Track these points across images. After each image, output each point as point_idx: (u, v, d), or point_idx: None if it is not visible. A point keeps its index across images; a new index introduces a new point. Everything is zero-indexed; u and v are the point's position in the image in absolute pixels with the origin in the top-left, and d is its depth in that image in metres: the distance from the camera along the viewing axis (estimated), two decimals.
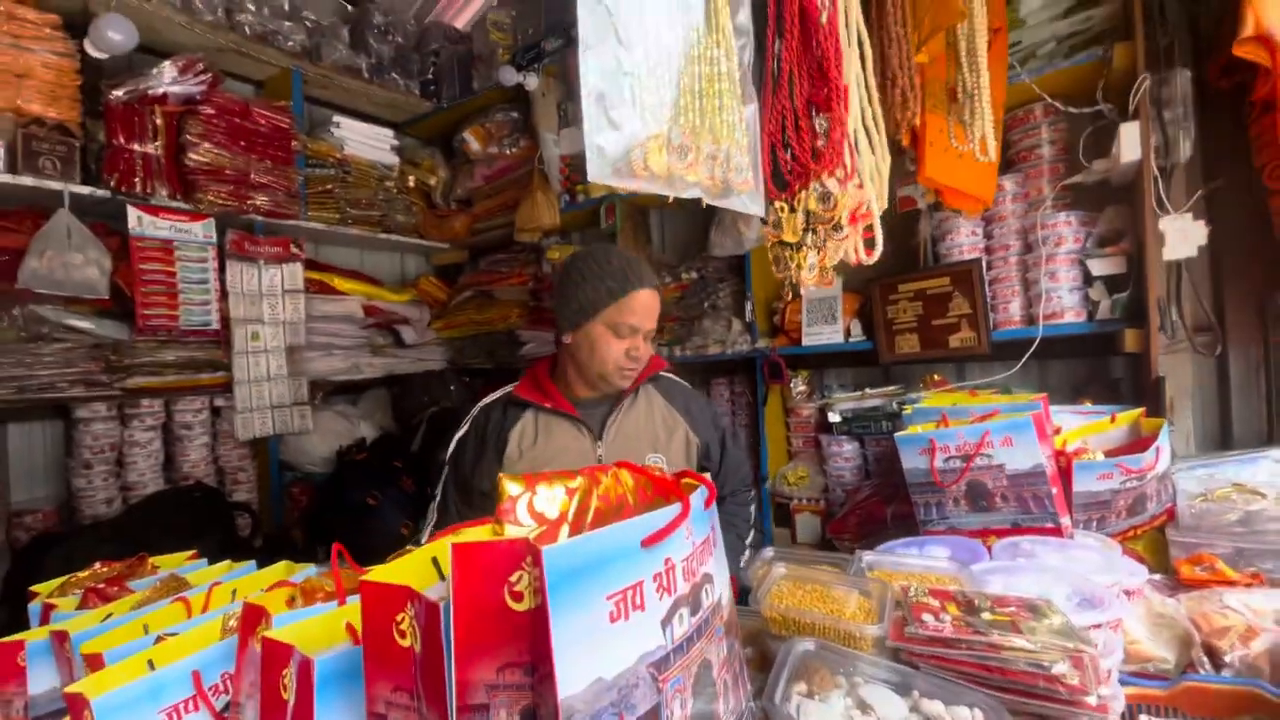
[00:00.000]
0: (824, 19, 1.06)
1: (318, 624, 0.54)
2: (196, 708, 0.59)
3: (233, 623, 0.65)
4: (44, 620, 0.83)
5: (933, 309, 1.95)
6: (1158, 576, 1.13)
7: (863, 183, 1.12)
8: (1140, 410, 1.42)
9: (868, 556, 1.09)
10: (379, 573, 0.49)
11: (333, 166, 2.88)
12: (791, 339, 2.24)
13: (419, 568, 0.52)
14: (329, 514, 2.46)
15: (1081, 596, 0.88)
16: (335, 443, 2.83)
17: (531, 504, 0.52)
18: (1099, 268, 1.72)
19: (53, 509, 2.19)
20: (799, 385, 2.32)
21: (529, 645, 0.39)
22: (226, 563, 0.96)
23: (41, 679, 0.75)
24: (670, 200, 1.00)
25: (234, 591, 0.84)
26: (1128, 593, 0.95)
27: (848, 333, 2.14)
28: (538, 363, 1.45)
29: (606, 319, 1.28)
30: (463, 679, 0.38)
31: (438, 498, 1.39)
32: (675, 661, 0.45)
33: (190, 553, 1.07)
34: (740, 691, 0.58)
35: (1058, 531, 1.19)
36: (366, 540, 2.44)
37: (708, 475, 0.62)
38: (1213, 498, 1.32)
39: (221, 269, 2.42)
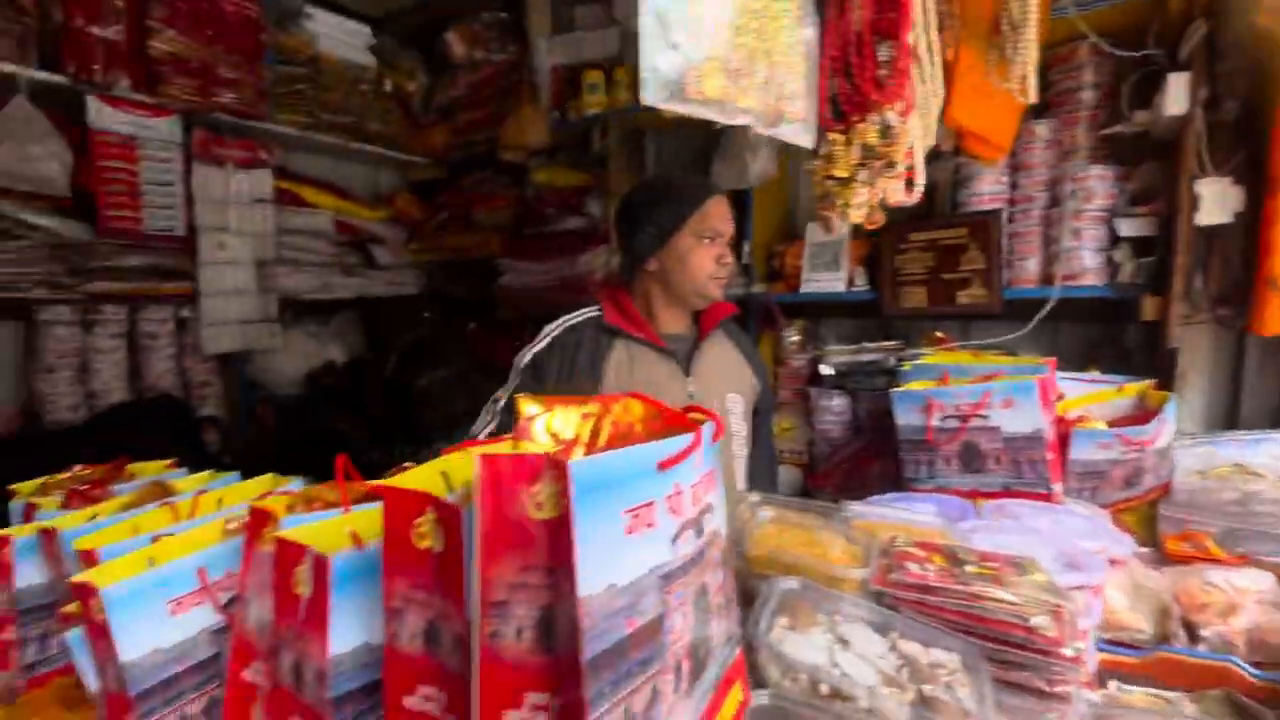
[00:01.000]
0: None
1: (325, 528, 0.56)
2: (200, 601, 0.62)
3: (233, 525, 0.68)
4: (27, 518, 0.85)
5: (944, 261, 1.83)
6: (1145, 550, 1.12)
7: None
8: (1149, 382, 1.36)
9: (855, 507, 1.07)
10: (395, 481, 0.52)
11: (304, 64, 2.63)
12: (790, 285, 2.12)
13: (430, 478, 0.54)
14: (297, 436, 2.38)
15: (1066, 560, 0.88)
16: (304, 364, 2.72)
17: (550, 424, 0.55)
18: (1128, 228, 1.61)
19: (14, 411, 2.13)
20: (792, 335, 2.21)
21: (549, 550, 0.42)
22: (209, 471, 0.96)
23: (28, 574, 0.77)
24: (672, 124, 0.90)
25: (220, 500, 0.83)
26: (1112, 562, 0.95)
27: (850, 282, 2.02)
28: (613, 289, 1.38)
29: (692, 228, 1.29)
30: (486, 577, 0.42)
31: (500, 402, 1.31)
32: (679, 577, 0.50)
33: (169, 461, 1.06)
34: (730, 617, 0.63)
35: (1048, 498, 1.16)
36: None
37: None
38: (1210, 475, 1.32)
39: (188, 172, 2.29)
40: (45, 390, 2.08)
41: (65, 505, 0.85)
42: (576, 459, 0.41)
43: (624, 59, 2.42)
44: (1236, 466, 1.29)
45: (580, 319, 1.35)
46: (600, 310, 1.34)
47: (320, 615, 0.49)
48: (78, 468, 0.97)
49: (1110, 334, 1.82)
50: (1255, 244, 1.33)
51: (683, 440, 0.51)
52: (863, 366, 1.99)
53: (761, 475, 1.45)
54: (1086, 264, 1.68)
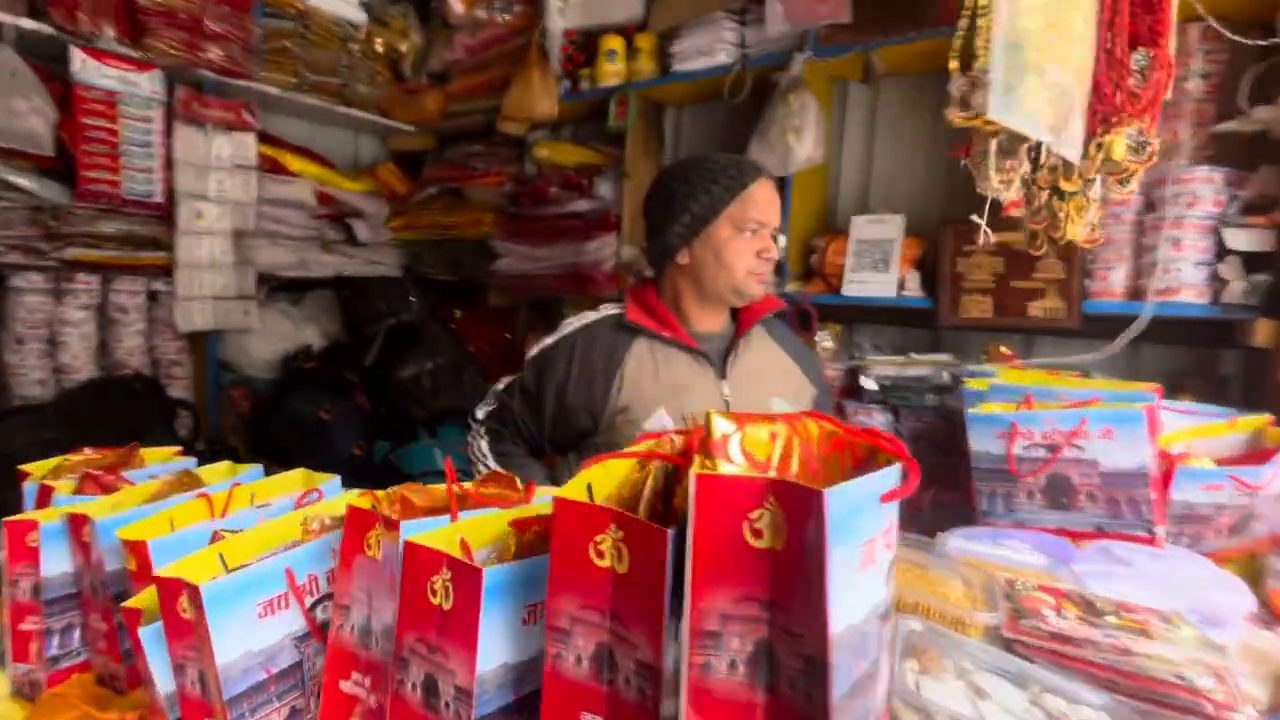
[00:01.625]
0: None
1: (439, 536, 0.51)
2: (287, 605, 0.59)
3: (315, 525, 0.64)
4: (41, 502, 0.81)
5: (1016, 269, 1.60)
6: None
7: None
8: (1267, 417, 1.16)
9: (952, 541, 1.00)
10: (565, 492, 0.48)
11: (293, 19, 2.36)
12: (830, 285, 1.89)
13: (580, 491, 0.49)
14: (274, 423, 2.13)
15: (1201, 614, 0.80)
16: (279, 345, 2.45)
17: (744, 442, 0.48)
18: (1238, 240, 1.39)
19: None
20: (826, 340, 1.98)
21: (769, 581, 0.40)
22: (227, 463, 0.90)
23: (54, 562, 0.73)
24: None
25: (252, 495, 0.79)
26: None
27: (901, 285, 1.79)
28: (640, 286, 1.30)
29: (731, 217, 1.17)
30: (698, 606, 0.40)
31: (499, 388, 1.30)
32: (889, 619, 0.48)
33: (175, 449, 1.01)
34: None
35: (1150, 541, 1.01)
36: (315, 457, 2.12)
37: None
38: None
39: (169, 134, 2.14)
40: (14, 362, 1.97)
41: (79, 490, 0.80)
42: (833, 488, 0.37)
43: (647, 24, 2.16)
44: None
45: (599, 316, 1.26)
46: (622, 308, 1.24)
47: (468, 630, 0.46)
48: (88, 451, 0.91)
49: (1203, 359, 1.61)
50: None
51: (894, 471, 0.46)
52: (911, 381, 1.76)
53: None
54: (1185, 278, 1.46)
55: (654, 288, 1.27)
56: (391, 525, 0.51)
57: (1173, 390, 1.53)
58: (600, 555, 0.44)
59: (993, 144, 0.89)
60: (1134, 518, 1.02)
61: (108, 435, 1.90)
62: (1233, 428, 1.18)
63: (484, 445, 1.26)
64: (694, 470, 0.39)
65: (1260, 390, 1.37)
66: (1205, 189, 1.42)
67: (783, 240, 1.92)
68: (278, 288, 2.57)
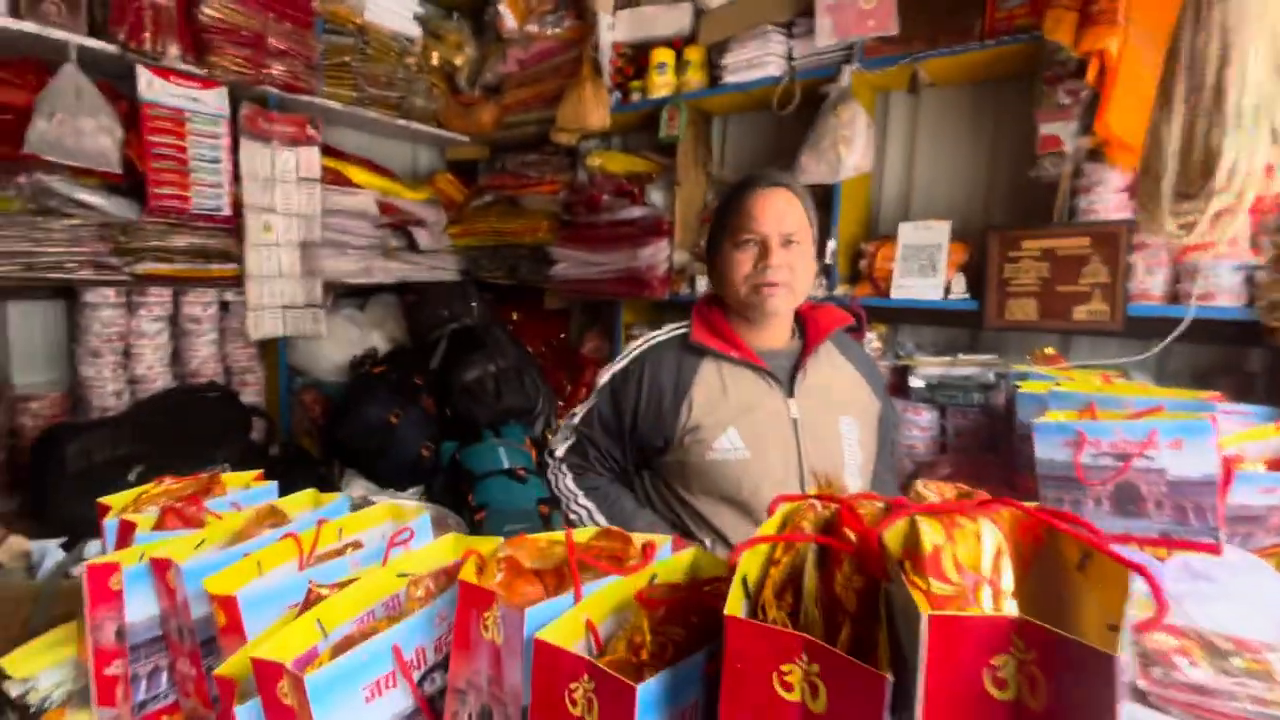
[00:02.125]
0: None
1: (564, 625, 0.47)
2: (395, 683, 0.55)
3: (420, 591, 0.59)
4: (123, 539, 0.77)
5: (1062, 272, 1.68)
6: None
7: None
8: None
9: None
10: (661, 568, 0.49)
11: (352, 34, 2.47)
12: (879, 288, 1.98)
13: (734, 599, 0.44)
14: (345, 428, 2.27)
15: None
16: (347, 350, 2.60)
17: (957, 554, 0.42)
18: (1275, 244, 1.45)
19: (60, 395, 2.07)
20: (873, 341, 2.08)
21: None
22: (311, 491, 0.87)
23: (138, 606, 0.70)
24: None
25: (340, 530, 0.76)
26: None
27: (948, 289, 1.88)
28: (706, 305, 1.27)
29: (730, 233, 1.16)
30: None
31: (576, 420, 1.26)
32: None
33: (256, 473, 0.98)
34: None
35: (1213, 548, 1.04)
36: (385, 459, 2.28)
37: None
38: None
39: (235, 149, 2.20)
40: (90, 375, 2.03)
41: (159, 525, 0.78)
42: (1122, 642, 0.32)
43: (696, 37, 2.25)
44: None
45: (665, 337, 1.24)
46: (689, 327, 1.22)
47: None
48: (169, 480, 0.89)
49: (1230, 356, 1.68)
50: None
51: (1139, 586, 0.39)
52: (959, 381, 1.86)
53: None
54: (1224, 282, 1.53)
55: (719, 307, 1.25)
56: (513, 609, 0.48)
57: (1201, 387, 1.61)
58: (788, 688, 0.39)
59: (1165, 184, 0.89)
60: (1200, 524, 1.06)
61: (184, 444, 2.01)
62: (1278, 430, 1.23)
63: (569, 482, 1.24)
64: (925, 613, 0.34)
65: None
66: None
67: (831, 245, 2.02)
68: (343, 294, 2.72)
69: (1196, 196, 0.89)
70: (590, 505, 1.21)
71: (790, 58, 2.09)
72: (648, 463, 1.26)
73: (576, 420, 1.26)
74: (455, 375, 2.40)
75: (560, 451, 1.27)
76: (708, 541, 1.16)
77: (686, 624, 0.49)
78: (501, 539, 0.63)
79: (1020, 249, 1.73)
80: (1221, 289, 1.54)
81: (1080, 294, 1.67)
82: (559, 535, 0.57)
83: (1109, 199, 1.66)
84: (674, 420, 1.15)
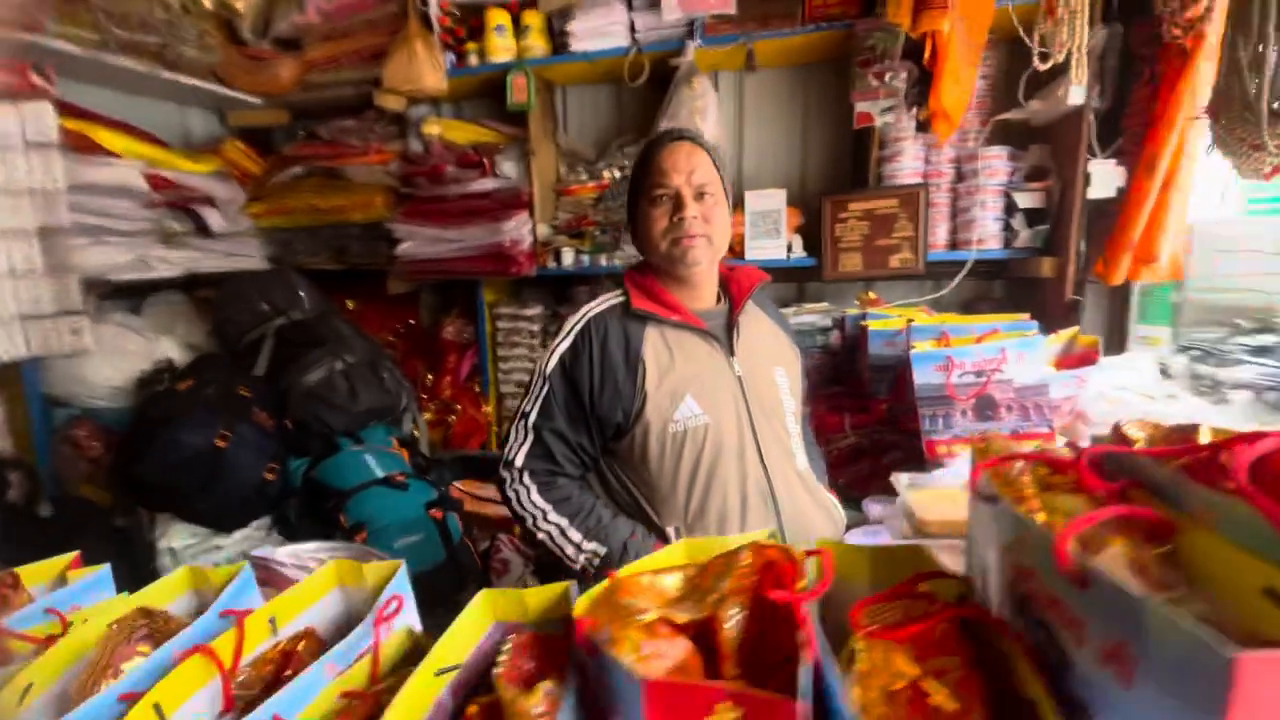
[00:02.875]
0: None
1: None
2: None
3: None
4: None
5: (878, 229, 2.02)
6: None
7: None
8: (1076, 330, 1.68)
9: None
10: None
11: None
12: (734, 251, 2.17)
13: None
14: (151, 463, 1.82)
15: None
16: (127, 366, 2.08)
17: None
18: (1024, 200, 1.93)
19: None
20: None
21: None
22: (184, 572, 0.67)
23: None
24: None
25: (272, 619, 0.61)
26: None
27: (789, 249, 2.14)
28: (637, 273, 1.24)
29: (644, 191, 1.17)
30: None
31: (531, 416, 1.17)
32: None
33: (68, 557, 0.74)
34: None
35: (1049, 436, 1.40)
36: (214, 494, 1.89)
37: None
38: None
39: None
40: None
41: None
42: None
43: (535, 2, 2.18)
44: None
45: (602, 307, 1.20)
46: (625, 296, 1.20)
47: None
48: None
49: (981, 290, 2.21)
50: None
51: None
52: (804, 327, 2.14)
53: (811, 445, 1.40)
54: (989, 231, 1.99)
55: (650, 272, 1.23)
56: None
57: (966, 313, 2.08)
58: None
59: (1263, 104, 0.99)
60: (1039, 420, 1.37)
61: None
62: (1057, 338, 1.64)
63: (534, 497, 1.14)
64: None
65: (1045, 307, 1.94)
66: (999, 163, 1.95)
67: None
68: (109, 295, 2.15)
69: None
70: (561, 521, 1.14)
71: (633, 29, 2.14)
72: (604, 451, 1.21)
73: (532, 416, 1.16)
74: (293, 380, 2.07)
75: (520, 459, 1.16)
76: (671, 530, 1.16)
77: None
78: (572, 588, 0.58)
79: (848, 210, 2.04)
80: (988, 236, 1.99)
81: (893, 246, 2.03)
82: (664, 560, 0.54)
83: (907, 165, 2.03)
84: (631, 392, 1.13)
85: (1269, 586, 0.37)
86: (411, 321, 2.53)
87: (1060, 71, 1.62)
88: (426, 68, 2.14)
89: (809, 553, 0.52)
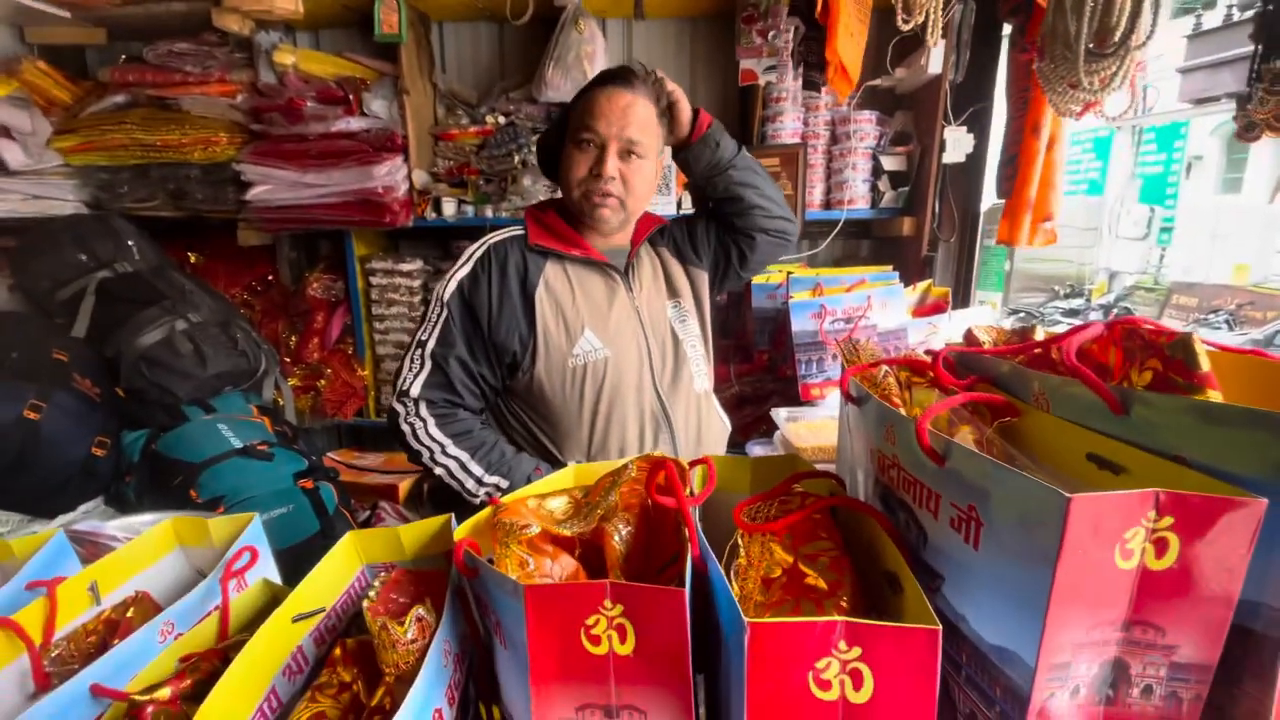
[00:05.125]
0: None
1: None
2: None
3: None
4: None
5: None
6: None
7: None
8: (930, 281, 1.84)
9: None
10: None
11: None
12: None
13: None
14: None
15: None
16: None
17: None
18: (889, 163, 2.07)
19: None
20: None
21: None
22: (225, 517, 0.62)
23: None
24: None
25: (93, 585, 0.55)
26: None
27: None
28: (539, 210, 1.20)
29: (571, 130, 1.12)
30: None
31: (429, 345, 1.11)
32: None
33: None
34: None
35: None
36: (26, 473, 1.62)
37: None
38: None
39: None
40: None
41: None
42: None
43: None
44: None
45: (506, 235, 1.17)
46: (525, 230, 1.17)
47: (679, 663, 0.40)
48: None
49: (850, 248, 2.36)
50: (978, 179, 1.86)
51: None
52: None
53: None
54: (858, 191, 2.11)
55: (554, 210, 1.20)
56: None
57: (854, 265, 2.23)
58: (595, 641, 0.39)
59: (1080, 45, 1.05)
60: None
61: None
62: (914, 290, 1.81)
63: (432, 429, 1.10)
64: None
65: (904, 263, 2.11)
66: (869, 127, 2.06)
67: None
68: None
69: (1111, 53, 1.03)
70: (461, 455, 1.09)
71: None
72: (504, 390, 1.19)
73: (430, 344, 1.10)
74: (124, 341, 1.80)
75: (415, 389, 1.09)
76: (572, 464, 1.15)
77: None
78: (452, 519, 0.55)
79: None
80: (858, 196, 2.12)
81: None
82: (552, 485, 0.53)
83: (787, 126, 2.09)
84: (529, 324, 1.11)
85: (1092, 452, 0.41)
86: (269, 277, 2.27)
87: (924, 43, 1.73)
88: None
89: (693, 463, 0.53)
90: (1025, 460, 0.41)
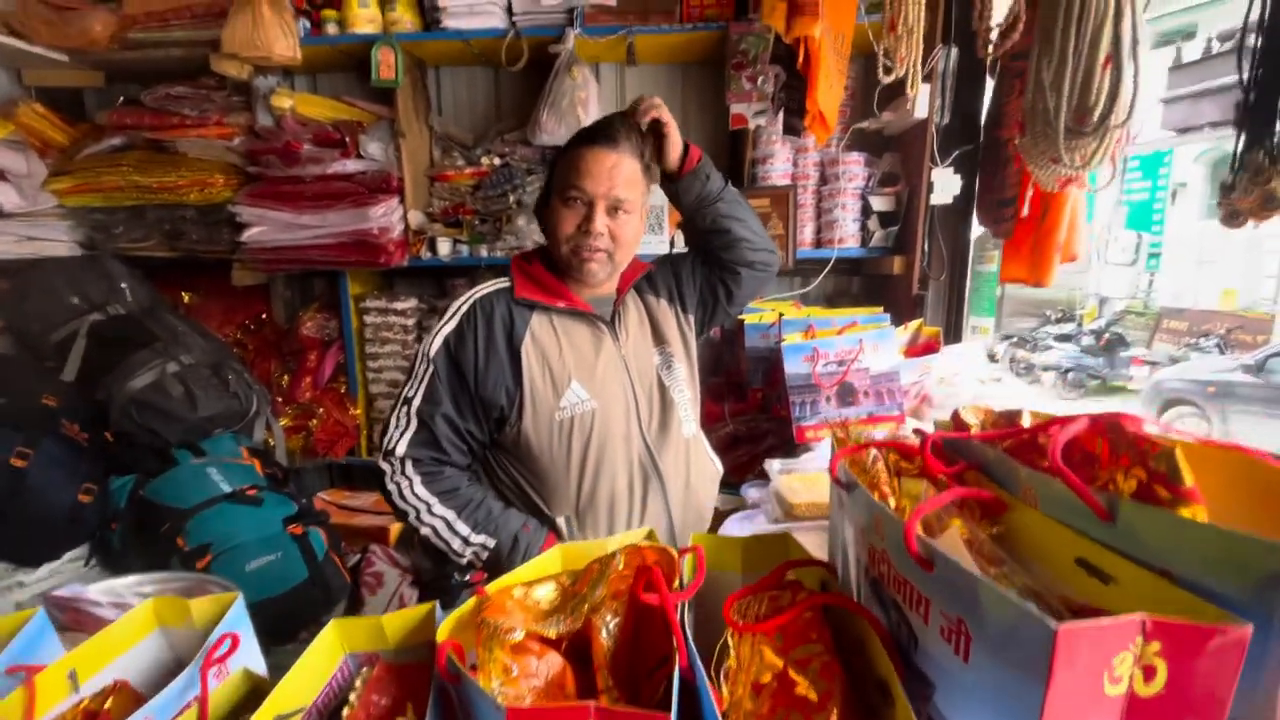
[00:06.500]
0: None
1: None
2: None
3: None
4: None
5: None
6: None
7: None
8: (921, 321, 1.85)
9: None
10: None
11: None
12: None
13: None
14: None
15: None
16: None
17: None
18: (878, 204, 2.09)
19: None
20: None
21: None
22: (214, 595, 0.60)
23: None
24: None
25: (72, 673, 0.53)
26: None
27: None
28: (524, 260, 1.21)
29: (559, 188, 1.12)
30: None
31: (415, 402, 1.10)
32: None
33: None
34: None
35: (899, 419, 1.54)
36: (17, 523, 1.60)
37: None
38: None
39: None
40: None
41: None
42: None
43: None
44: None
45: (492, 288, 1.17)
46: (511, 282, 1.17)
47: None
48: None
49: (842, 285, 2.38)
50: (967, 218, 1.88)
51: None
52: None
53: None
54: (848, 231, 2.14)
55: (539, 260, 1.20)
56: None
57: (830, 306, 2.25)
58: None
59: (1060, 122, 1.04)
60: (892, 404, 1.52)
61: None
62: (905, 330, 1.82)
63: (419, 488, 1.09)
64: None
65: (895, 301, 2.13)
66: (857, 168, 2.10)
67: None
68: None
69: (1090, 131, 1.03)
70: (447, 514, 1.08)
71: (510, 11, 2.06)
72: (490, 444, 1.18)
73: (416, 402, 1.10)
74: (114, 384, 1.79)
75: (401, 448, 1.09)
76: (562, 520, 1.14)
77: None
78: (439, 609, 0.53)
79: None
80: (847, 235, 2.14)
81: None
82: (539, 569, 0.52)
83: (778, 168, 2.13)
84: (515, 377, 1.11)
85: (1081, 557, 0.41)
86: (263, 316, 2.27)
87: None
88: (275, 33, 1.92)
89: (683, 551, 0.52)
90: (1014, 565, 0.41)
